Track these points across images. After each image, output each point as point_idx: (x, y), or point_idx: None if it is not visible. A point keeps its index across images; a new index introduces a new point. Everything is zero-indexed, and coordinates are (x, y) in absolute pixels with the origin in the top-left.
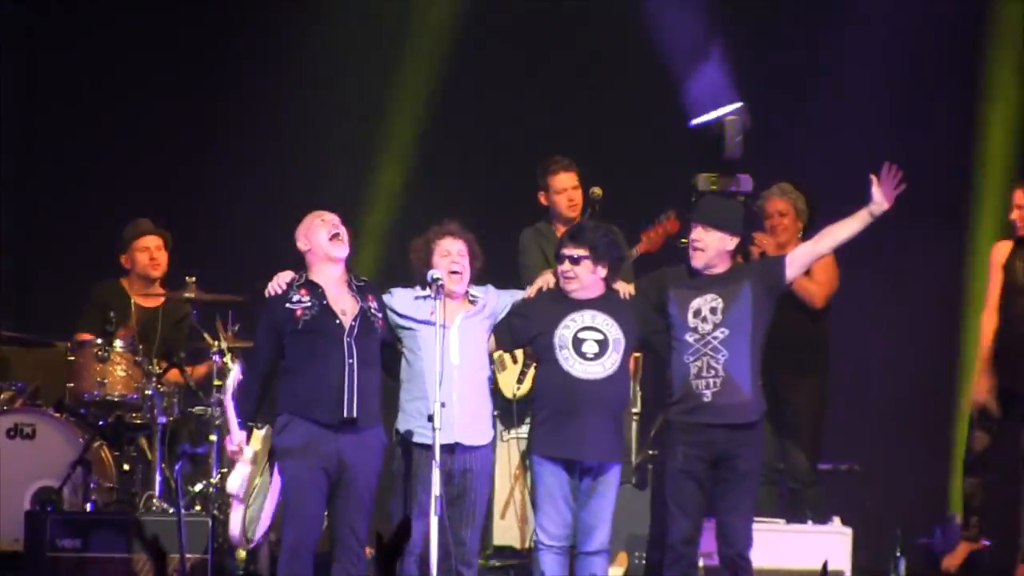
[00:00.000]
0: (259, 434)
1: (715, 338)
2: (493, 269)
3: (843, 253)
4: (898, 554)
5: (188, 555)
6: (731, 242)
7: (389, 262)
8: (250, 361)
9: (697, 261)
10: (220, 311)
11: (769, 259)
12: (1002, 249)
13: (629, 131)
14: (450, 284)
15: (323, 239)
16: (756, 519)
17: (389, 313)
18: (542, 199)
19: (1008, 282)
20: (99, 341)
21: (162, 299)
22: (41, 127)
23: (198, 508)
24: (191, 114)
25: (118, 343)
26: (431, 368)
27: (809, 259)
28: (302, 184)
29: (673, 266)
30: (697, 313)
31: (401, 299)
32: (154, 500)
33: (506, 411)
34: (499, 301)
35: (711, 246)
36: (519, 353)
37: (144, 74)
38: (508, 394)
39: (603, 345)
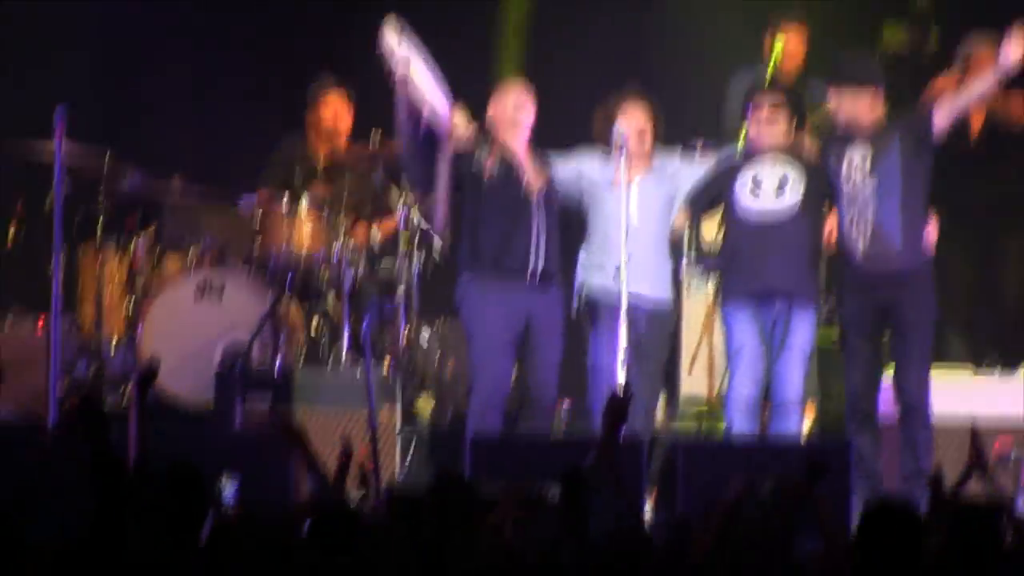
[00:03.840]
0: None
1: (865, 189)
2: None
3: None
4: None
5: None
6: (865, 98)
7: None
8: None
9: (841, 119)
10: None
11: (917, 111)
12: None
13: None
14: (635, 144)
15: (508, 105)
16: (942, 366)
17: (568, 175)
18: (766, 43)
19: None
20: (286, 198)
21: (348, 155)
22: None
23: (386, 363)
24: None
25: (304, 200)
26: (612, 226)
27: (951, 110)
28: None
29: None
30: (850, 163)
31: (585, 160)
32: (342, 356)
33: (702, 262)
34: (686, 171)
35: (845, 108)
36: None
37: None
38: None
39: (783, 183)
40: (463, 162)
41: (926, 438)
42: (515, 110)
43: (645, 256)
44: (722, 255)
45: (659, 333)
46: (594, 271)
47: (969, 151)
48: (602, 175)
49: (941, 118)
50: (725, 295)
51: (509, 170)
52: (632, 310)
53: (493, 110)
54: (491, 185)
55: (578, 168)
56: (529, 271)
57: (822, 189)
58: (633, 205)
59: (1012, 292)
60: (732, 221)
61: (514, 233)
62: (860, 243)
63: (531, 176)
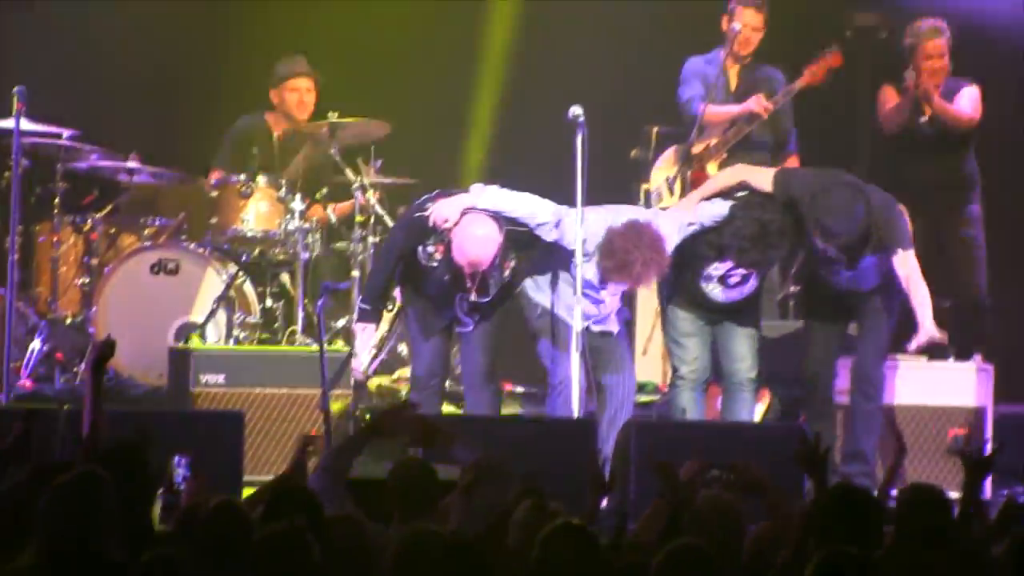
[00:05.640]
0: (388, 316)
1: (839, 272)
2: None
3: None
4: None
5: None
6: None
7: None
8: (376, 263)
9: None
10: (363, 147)
11: (887, 240)
12: None
13: None
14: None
15: (467, 243)
16: (898, 356)
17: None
18: (723, 22)
19: None
20: (242, 177)
21: (306, 135)
22: None
23: (340, 343)
24: None
25: (261, 179)
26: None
27: (905, 282)
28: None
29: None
30: (826, 251)
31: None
32: (296, 335)
33: None
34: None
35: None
36: (676, 186)
37: None
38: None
39: (747, 277)
40: (412, 240)
41: (870, 417)
42: (473, 261)
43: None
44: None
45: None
46: (548, 298)
47: (922, 138)
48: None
49: (897, 267)
50: (669, 294)
51: (443, 285)
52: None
53: (456, 233)
54: (421, 282)
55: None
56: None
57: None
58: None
59: (966, 280)
60: (692, 279)
61: (440, 317)
62: (832, 283)
63: (469, 293)
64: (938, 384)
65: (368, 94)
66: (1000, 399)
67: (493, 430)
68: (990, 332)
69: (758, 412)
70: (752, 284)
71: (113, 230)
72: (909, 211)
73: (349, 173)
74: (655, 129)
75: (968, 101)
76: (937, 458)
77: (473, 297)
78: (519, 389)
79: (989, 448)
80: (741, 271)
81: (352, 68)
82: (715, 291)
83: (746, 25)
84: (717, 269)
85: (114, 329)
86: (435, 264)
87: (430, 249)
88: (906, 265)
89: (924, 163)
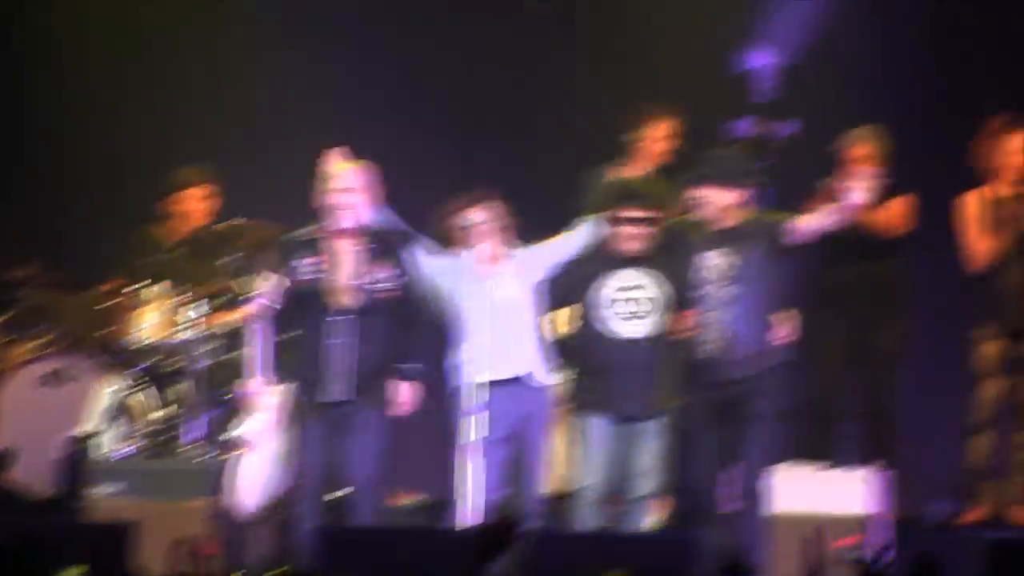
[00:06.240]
0: (278, 389)
1: (720, 295)
2: None
3: None
4: None
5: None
6: (730, 197)
7: None
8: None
9: (703, 216)
10: (260, 254)
11: (776, 221)
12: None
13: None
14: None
15: (326, 200)
16: (794, 463)
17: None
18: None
19: None
20: (137, 286)
21: (205, 242)
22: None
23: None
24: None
25: (156, 288)
26: (476, 314)
27: (803, 233)
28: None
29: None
30: (708, 268)
31: (433, 265)
32: (192, 446)
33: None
34: (538, 252)
35: (709, 203)
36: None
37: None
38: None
39: (640, 305)
40: (285, 258)
41: (757, 528)
42: (339, 177)
43: (513, 332)
44: (576, 356)
45: (532, 422)
46: (465, 365)
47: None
48: (459, 267)
49: (796, 235)
50: (578, 400)
51: (318, 285)
52: (503, 399)
53: (315, 196)
54: (298, 294)
55: (436, 269)
56: (336, 404)
57: (678, 293)
58: (497, 293)
59: (879, 394)
60: (587, 329)
61: (314, 363)
62: (709, 346)
63: (347, 286)
64: (829, 492)
65: (278, 195)
66: (901, 506)
67: (381, 543)
68: (896, 443)
69: (654, 522)
70: (652, 320)
71: (5, 339)
72: (831, 318)
73: (249, 279)
74: None
75: (893, 208)
76: (827, 567)
77: (361, 278)
78: (420, 499)
79: (885, 557)
80: (636, 294)
81: (264, 171)
82: (615, 325)
83: (656, 135)
84: (608, 287)
85: (5, 440)
86: (305, 273)
87: (306, 261)
88: (801, 216)
89: (846, 269)
